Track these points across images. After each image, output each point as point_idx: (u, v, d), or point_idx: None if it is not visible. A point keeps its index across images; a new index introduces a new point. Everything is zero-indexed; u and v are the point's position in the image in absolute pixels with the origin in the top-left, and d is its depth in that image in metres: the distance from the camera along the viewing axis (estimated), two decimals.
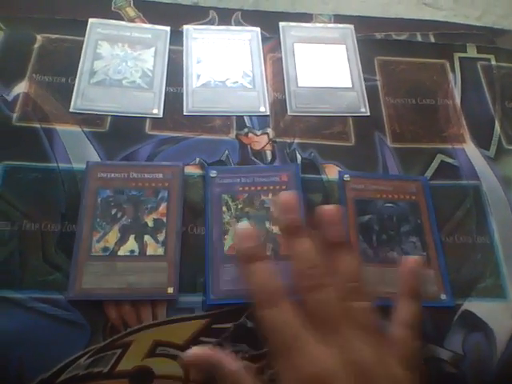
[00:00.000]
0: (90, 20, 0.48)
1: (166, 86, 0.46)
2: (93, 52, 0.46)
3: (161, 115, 0.44)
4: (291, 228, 0.29)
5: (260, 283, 0.28)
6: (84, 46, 0.47)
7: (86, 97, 0.44)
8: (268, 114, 0.45)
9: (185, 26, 0.50)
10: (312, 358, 0.26)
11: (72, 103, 0.43)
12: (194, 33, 0.49)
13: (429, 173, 0.43)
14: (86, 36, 0.47)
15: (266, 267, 0.29)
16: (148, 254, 0.37)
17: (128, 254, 0.37)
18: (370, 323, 0.28)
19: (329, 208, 0.30)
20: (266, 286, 0.28)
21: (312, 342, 0.27)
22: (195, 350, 0.29)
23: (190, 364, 0.31)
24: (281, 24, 0.51)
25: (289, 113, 0.46)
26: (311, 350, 0.26)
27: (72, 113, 0.43)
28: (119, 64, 0.46)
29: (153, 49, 0.48)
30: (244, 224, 0.31)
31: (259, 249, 0.30)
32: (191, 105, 0.45)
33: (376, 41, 0.51)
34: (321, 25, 0.52)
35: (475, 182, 0.44)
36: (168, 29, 0.49)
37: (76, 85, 0.44)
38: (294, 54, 0.50)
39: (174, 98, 0.45)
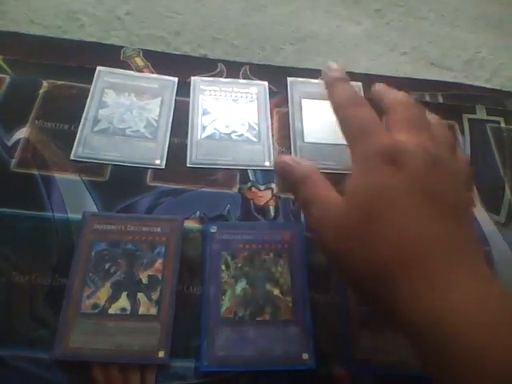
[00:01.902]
0: (98, 68, 0.48)
1: (171, 136, 0.45)
2: (98, 100, 0.46)
3: (163, 166, 0.43)
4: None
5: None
6: (90, 93, 0.46)
7: (88, 145, 0.43)
8: (273, 168, 0.44)
9: (192, 78, 0.49)
10: (389, 137, 0.29)
11: (73, 151, 0.42)
12: (201, 84, 0.49)
13: None
14: (93, 83, 0.47)
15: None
16: (140, 313, 0.35)
17: (119, 312, 0.35)
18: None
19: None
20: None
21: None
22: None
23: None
24: (289, 79, 0.51)
25: None
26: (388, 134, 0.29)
27: (72, 161, 0.42)
28: (124, 113, 0.46)
29: (159, 99, 0.47)
30: None
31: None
32: (195, 156, 0.44)
33: None
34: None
35: (485, 248, 0.42)
36: (176, 79, 0.49)
37: (78, 132, 0.43)
38: (301, 109, 0.49)
39: (177, 149, 0.44)
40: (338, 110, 0.33)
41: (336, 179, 0.31)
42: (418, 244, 0.26)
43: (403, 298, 0.25)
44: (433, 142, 0.29)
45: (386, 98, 0.34)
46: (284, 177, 0.34)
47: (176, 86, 0.49)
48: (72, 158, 0.42)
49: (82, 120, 0.44)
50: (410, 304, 0.25)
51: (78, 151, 0.42)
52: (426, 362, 0.26)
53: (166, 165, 0.43)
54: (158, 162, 0.43)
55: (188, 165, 0.43)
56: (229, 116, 0.47)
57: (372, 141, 0.29)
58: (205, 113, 0.47)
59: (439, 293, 0.24)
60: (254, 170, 0.44)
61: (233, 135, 0.46)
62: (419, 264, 0.25)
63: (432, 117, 0.34)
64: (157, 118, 0.46)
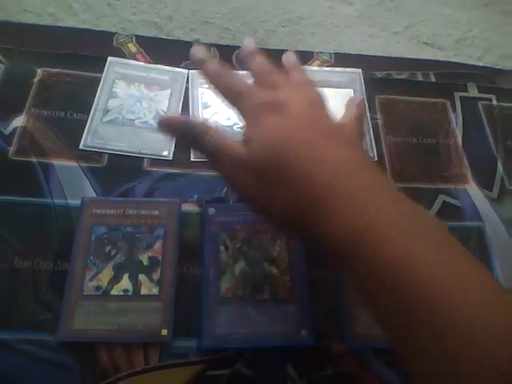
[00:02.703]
0: (109, 58, 0.48)
1: None
2: (109, 90, 0.46)
3: (171, 158, 0.43)
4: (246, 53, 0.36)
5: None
6: (100, 84, 0.47)
7: (97, 135, 0.43)
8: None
9: (190, 71, 0.49)
10: (266, 92, 0.32)
11: (82, 140, 0.43)
12: (199, 78, 0.49)
13: (431, 213, 0.42)
14: (104, 74, 0.47)
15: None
16: (142, 293, 0.36)
17: (121, 293, 0.35)
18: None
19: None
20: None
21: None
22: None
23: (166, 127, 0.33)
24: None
25: None
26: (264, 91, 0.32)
27: (70, 147, 0.42)
28: (133, 104, 0.46)
29: (169, 90, 0.48)
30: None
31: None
32: None
33: (377, 80, 0.51)
34: (328, 68, 0.52)
35: (478, 223, 0.43)
36: (186, 72, 0.49)
37: (88, 122, 0.44)
38: None
39: None
40: (215, 80, 0.35)
41: None
42: (326, 173, 0.28)
43: (326, 224, 0.27)
44: (296, 87, 0.33)
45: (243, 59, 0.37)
46: (181, 132, 0.33)
47: (186, 78, 0.49)
48: (81, 147, 0.43)
49: (92, 110, 0.45)
50: (332, 228, 0.27)
51: (87, 141, 0.43)
52: (354, 282, 0.28)
53: (173, 156, 0.44)
54: (165, 153, 0.44)
55: (192, 159, 0.44)
56: (229, 109, 0.47)
57: (253, 96, 0.32)
58: (205, 106, 0.48)
59: (354, 213, 0.26)
60: None
61: (235, 127, 0.46)
62: (332, 191, 0.27)
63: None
64: (166, 110, 0.46)
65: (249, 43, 0.37)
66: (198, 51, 0.36)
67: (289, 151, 0.29)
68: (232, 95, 0.34)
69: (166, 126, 0.33)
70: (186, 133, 0.33)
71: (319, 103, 0.33)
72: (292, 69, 0.36)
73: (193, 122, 0.33)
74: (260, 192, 0.30)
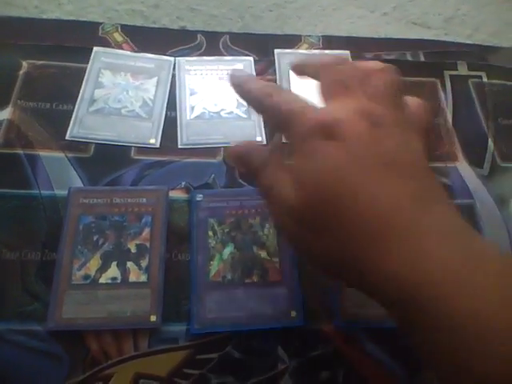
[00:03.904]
0: (95, 48, 0.48)
1: (167, 110, 0.45)
2: (94, 80, 0.46)
3: (158, 145, 0.43)
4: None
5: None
6: (86, 74, 0.46)
7: (84, 125, 0.43)
8: (265, 142, 0.44)
9: (176, 58, 0.49)
10: (319, 111, 0.27)
11: (69, 130, 0.43)
12: (186, 64, 0.49)
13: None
14: (89, 64, 0.47)
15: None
16: (130, 280, 0.36)
17: (110, 281, 0.35)
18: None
19: None
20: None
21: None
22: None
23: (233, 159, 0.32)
24: (276, 51, 0.51)
25: (283, 140, 0.45)
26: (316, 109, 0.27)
27: (56, 138, 0.42)
28: (120, 93, 0.46)
29: (155, 78, 0.48)
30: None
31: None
32: (186, 137, 0.44)
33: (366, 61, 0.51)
34: (317, 51, 0.52)
35: (469, 200, 0.43)
36: (172, 59, 0.49)
37: (74, 112, 0.44)
38: (289, 81, 0.49)
39: (173, 126, 0.45)
40: (258, 103, 0.30)
41: None
42: (383, 213, 0.24)
43: (387, 264, 0.23)
44: (369, 99, 0.26)
45: (308, 68, 0.32)
46: (246, 161, 0.31)
47: (172, 65, 0.49)
48: (68, 137, 0.42)
49: (78, 100, 0.45)
50: (395, 267, 0.23)
51: (73, 131, 0.43)
52: (406, 330, 0.24)
53: (160, 144, 0.43)
54: (152, 141, 0.43)
55: (179, 146, 0.43)
56: (216, 94, 0.47)
57: (303, 120, 0.27)
58: (192, 93, 0.47)
59: (418, 255, 0.23)
60: None
61: (222, 113, 0.46)
62: (395, 230, 0.23)
63: (369, 65, 0.29)
64: (152, 98, 0.46)
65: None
66: (238, 76, 0.33)
67: (341, 194, 0.24)
68: (279, 118, 0.29)
69: (233, 157, 0.31)
70: (251, 162, 0.30)
71: (385, 115, 0.26)
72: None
73: (256, 149, 0.30)
74: (304, 239, 0.26)
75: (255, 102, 0.31)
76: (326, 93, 0.29)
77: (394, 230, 0.23)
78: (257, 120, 0.46)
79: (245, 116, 0.46)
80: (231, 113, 0.46)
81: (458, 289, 0.21)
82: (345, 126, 0.25)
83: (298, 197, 0.26)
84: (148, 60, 0.49)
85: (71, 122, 0.43)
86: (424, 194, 0.25)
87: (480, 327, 0.20)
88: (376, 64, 0.29)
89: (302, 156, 0.26)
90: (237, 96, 0.31)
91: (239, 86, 0.32)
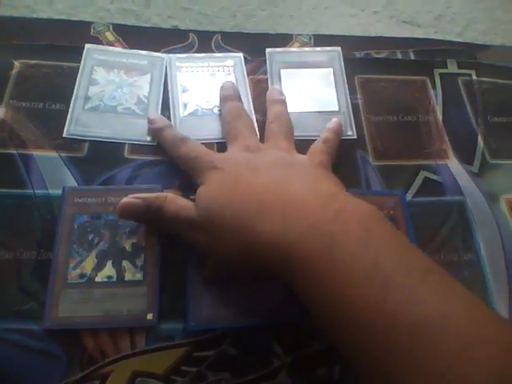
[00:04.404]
0: (87, 46, 0.48)
1: (162, 110, 0.46)
2: (88, 77, 0.46)
3: (155, 143, 0.43)
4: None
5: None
6: (79, 71, 0.46)
7: (80, 122, 0.43)
8: (258, 138, 0.45)
9: (167, 56, 0.49)
10: (211, 156, 0.40)
11: (65, 129, 0.43)
12: (176, 61, 0.49)
13: (412, 189, 0.43)
14: (82, 61, 0.47)
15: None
16: (126, 279, 0.36)
17: (105, 280, 0.36)
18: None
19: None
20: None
21: None
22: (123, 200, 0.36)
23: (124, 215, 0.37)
24: (267, 50, 0.51)
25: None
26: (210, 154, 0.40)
27: (49, 138, 0.42)
28: (115, 90, 0.46)
29: (149, 75, 0.48)
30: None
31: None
32: None
33: (356, 60, 0.51)
34: (308, 49, 0.52)
35: (459, 197, 0.43)
36: (164, 56, 0.49)
37: (70, 110, 0.44)
38: (280, 80, 0.49)
39: None
40: (170, 151, 0.41)
41: None
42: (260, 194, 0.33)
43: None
44: (247, 147, 0.39)
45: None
46: (142, 214, 0.37)
47: (165, 62, 0.49)
48: (64, 135, 0.42)
49: (73, 98, 0.45)
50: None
51: (69, 129, 0.43)
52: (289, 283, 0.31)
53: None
54: (149, 138, 0.43)
55: None
56: (208, 91, 0.47)
57: (202, 161, 0.38)
58: (184, 90, 0.47)
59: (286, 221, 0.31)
60: None
61: (215, 110, 0.46)
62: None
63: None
64: (147, 95, 0.46)
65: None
66: (155, 121, 0.43)
67: (221, 197, 0.34)
68: (187, 163, 0.40)
69: (127, 213, 0.36)
70: (147, 212, 0.36)
71: (255, 158, 0.38)
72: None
73: (148, 199, 0.36)
74: (211, 245, 0.34)
75: (169, 151, 0.41)
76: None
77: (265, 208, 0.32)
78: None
79: None
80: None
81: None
82: (224, 161, 0.37)
83: (197, 210, 0.35)
84: (140, 57, 0.49)
85: (67, 120, 0.43)
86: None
87: None
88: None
89: (203, 183, 0.36)
90: None
91: (159, 132, 0.42)
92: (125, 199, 0.36)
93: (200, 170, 0.38)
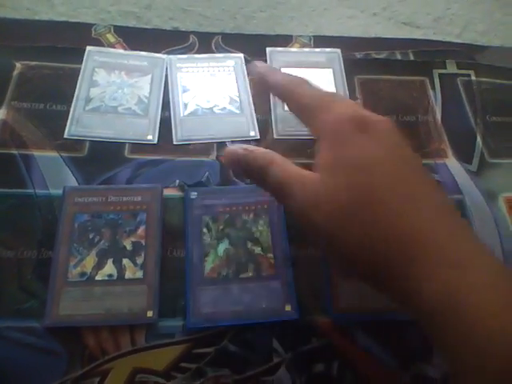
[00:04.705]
0: (88, 48, 0.49)
1: (162, 110, 0.46)
2: (89, 79, 0.47)
3: (155, 141, 0.44)
4: None
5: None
6: (81, 73, 0.47)
7: (81, 123, 0.44)
8: (258, 137, 0.45)
9: (168, 56, 0.50)
10: (349, 106, 0.28)
11: (66, 129, 0.43)
12: (177, 62, 0.49)
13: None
14: (83, 63, 0.47)
15: None
16: (126, 277, 0.36)
17: (106, 278, 0.36)
18: None
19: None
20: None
21: None
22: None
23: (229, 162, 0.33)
24: (268, 49, 0.52)
25: (275, 136, 0.45)
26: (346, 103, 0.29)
27: (50, 138, 0.42)
28: (115, 91, 0.46)
29: (149, 76, 0.48)
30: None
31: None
32: (180, 134, 0.44)
33: (356, 60, 0.52)
34: (308, 49, 0.52)
35: (458, 196, 0.43)
36: (165, 56, 0.49)
37: (71, 111, 0.44)
38: None
39: (166, 125, 0.45)
40: (282, 90, 0.33)
41: None
42: (417, 218, 0.24)
43: (418, 277, 0.23)
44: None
45: (272, 88, 0.36)
46: (243, 166, 0.31)
47: (165, 62, 0.49)
48: (66, 136, 0.43)
49: (74, 99, 0.45)
50: (425, 283, 0.23)
51: (71, 129, 0.43)
52: (439, 342, 0.24)
53: (158, 140, 0.44)
54: (150, 137, 0.44)
55: (174, 142, 0.44)
56: (209, 91, 0.48)
57: (336, 111, 0.28)
58: (184, 90, 0.48)
59: (455, 271, 0.23)
60: (239, 141, 0.44)
61: (215, 109, 0.46)
62: (426, 240, 0.24)
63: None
64: (147, 95, 0.47)
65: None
66: (260, 65, 0.37)
67: (383, 185, 0.25)
68: (304, 107, 0.30)
69: (229, 160, 0.32)
70: (250, 166, 0.30)
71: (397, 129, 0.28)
72: None
73: (255, 153, 0.30)
74: (335, 231, 0.25)
75: (283, 92, 0.33)
76: (311, 109, 0.30)
77: (430, 234, 0.23)
78: (249, 115, 0.46)
79: (237, 112, 0.47)
80: (224, 109, 0.47)
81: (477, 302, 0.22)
82: (377, 123, 0.27)
83: (326, 183, 0.26)
84: (141, 58, 0.49)
85: (68, 121, 0.43)
86: (444, 200, 0.26)
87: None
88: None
89: (333, 145, 0.27)
90: (227, 92, 0.34)
91: (264, 76, 0.35)
92: (230, 146, 0.33)
93: (334, 124, 0.28)
